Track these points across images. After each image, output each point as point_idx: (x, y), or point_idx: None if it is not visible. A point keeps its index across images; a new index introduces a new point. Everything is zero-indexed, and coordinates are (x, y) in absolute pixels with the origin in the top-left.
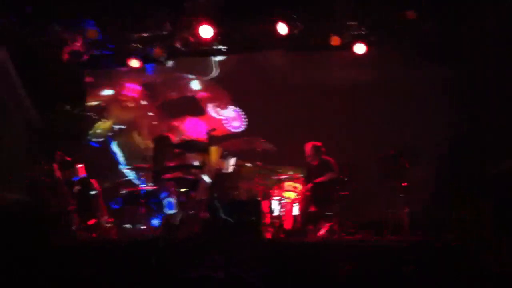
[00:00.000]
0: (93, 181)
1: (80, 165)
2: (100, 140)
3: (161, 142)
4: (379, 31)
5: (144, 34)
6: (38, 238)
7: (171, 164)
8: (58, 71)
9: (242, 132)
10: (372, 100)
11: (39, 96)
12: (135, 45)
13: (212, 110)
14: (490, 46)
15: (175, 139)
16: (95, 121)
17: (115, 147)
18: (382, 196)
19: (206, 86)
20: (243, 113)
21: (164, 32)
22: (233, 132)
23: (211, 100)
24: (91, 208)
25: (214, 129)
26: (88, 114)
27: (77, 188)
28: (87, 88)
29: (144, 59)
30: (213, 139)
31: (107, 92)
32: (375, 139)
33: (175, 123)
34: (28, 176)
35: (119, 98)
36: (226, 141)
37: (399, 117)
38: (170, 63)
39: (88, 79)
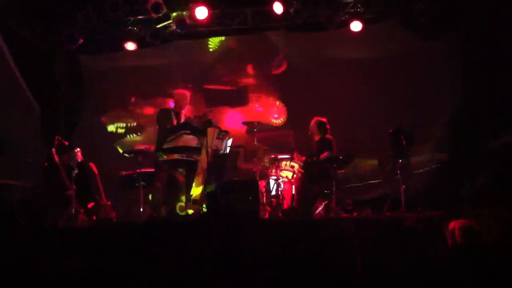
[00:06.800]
0: (91, 164)
1: (77, 149)
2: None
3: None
4: (374, 8)
5: (140, 17)
6: (38, 222)
7: (169, 146)
8: (55, 57)
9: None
10: (372, 78)
11: (36, 82)
12: (130, 28)
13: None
14: (490, 18)
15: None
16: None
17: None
18: (380, 174)
19: None
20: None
21: (159, 14)
22: None
23: None
24: (90, 191)
25: (211, 111)
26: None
27: (75, 172)
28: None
29: (140, 42)
30: (209, 121)
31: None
32: (375, 117)
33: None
34: (30, 162)
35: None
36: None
37: (400, 94)
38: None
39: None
